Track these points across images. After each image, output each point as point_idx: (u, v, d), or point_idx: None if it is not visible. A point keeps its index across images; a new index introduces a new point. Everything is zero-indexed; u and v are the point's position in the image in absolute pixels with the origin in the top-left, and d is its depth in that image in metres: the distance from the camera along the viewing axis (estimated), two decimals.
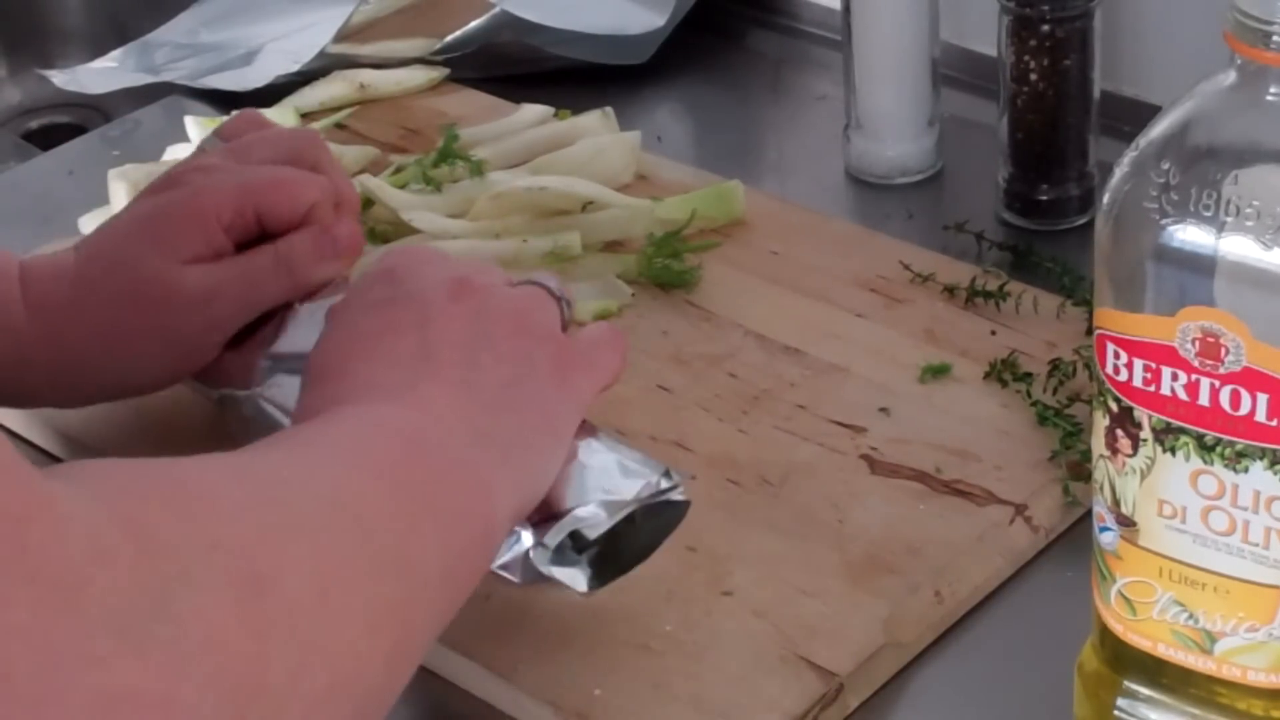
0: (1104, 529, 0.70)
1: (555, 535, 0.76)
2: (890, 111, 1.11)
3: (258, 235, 0.87)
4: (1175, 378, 0.64)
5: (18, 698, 0.46)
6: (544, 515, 0.76)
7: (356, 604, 0.59)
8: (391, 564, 0.62)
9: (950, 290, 0.99)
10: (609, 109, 1.15)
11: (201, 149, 0.94)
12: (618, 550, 0.77)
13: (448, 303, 0.74)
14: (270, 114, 1.17)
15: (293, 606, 0.55)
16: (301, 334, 0.84)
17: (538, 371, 0.74)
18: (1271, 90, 0.62)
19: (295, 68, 1.24)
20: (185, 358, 0.86)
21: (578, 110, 1.16)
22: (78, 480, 0.52)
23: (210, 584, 0.52)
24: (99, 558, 0.49)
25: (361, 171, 1.12)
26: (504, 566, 0.76)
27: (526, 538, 0.76)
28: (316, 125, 1.14)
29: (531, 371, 0.74)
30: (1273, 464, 0.64)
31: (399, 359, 0.72)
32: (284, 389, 0.84)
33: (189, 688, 0.50)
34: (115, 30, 1.43)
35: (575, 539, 0.76)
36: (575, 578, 0.76)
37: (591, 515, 0.76)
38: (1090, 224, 0.67)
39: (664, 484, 0.77)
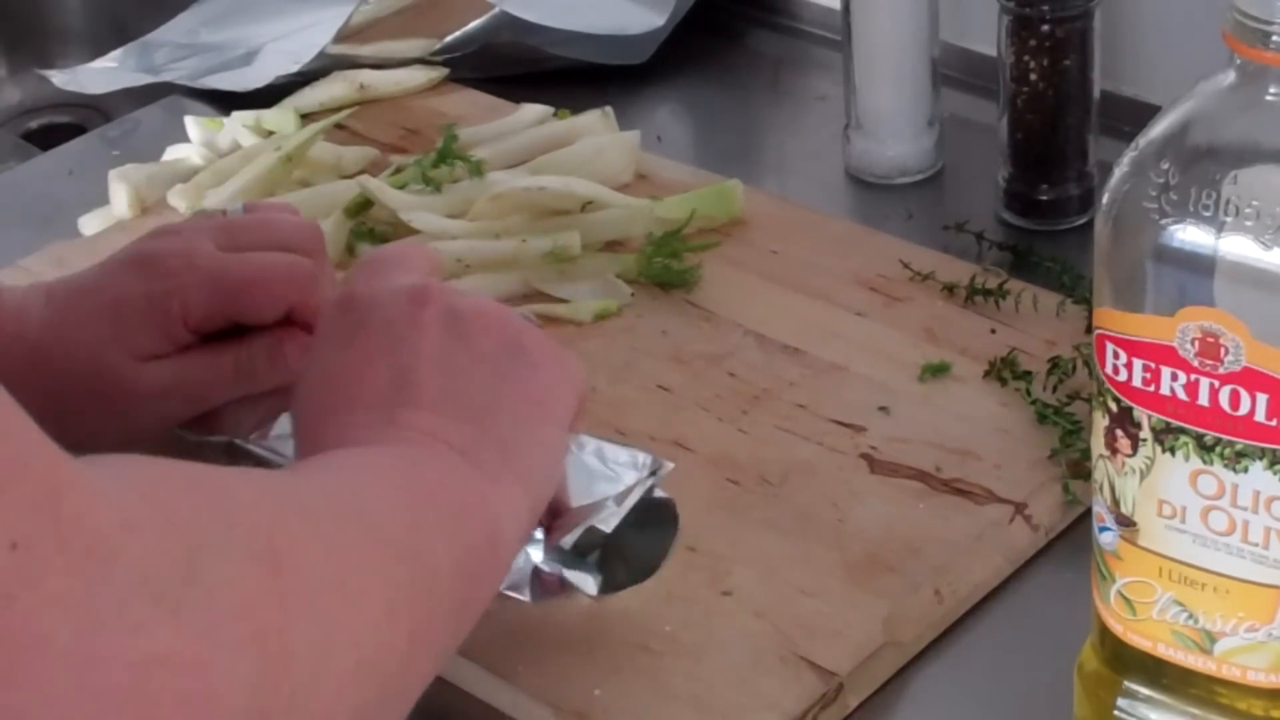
0: (1103, 529, 0.70)
1: (571, 536, 0.76)
2: (890, 111, 1.11)
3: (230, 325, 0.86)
4: (1175, 378, 0.64)
5: (58, 664, 0.46)
6: (553, 516, 0.76)
7: (373, 587, 0.59)
8: (402, 553, 0.62)
9: (950, 289, 0.99)
10: (609, 109, 1.15)
11: (223, 212, 0.92)
12: (621, 553, 0.77)
13: (414, 312, 0.72)
14: (270, 114, 1.18)
15: (312, 583, 0.56)
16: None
17: (526, 356, 0.73)
18: (1271, 90, 0.62)
19: (295, 68, 1.24)
20: (131, 438, 0.85)
21: (578, 110, 1.16)
22: (98, 464, 0.52)
23: (234, 554, 0.53)
24: (128, 528, 0.50)
25: (361, 172, 1.12)
26: (513, 587, 0.76)
27: (535, 553, 0.76)
28: (316, 126, 1.14)
29: (517, 360, 0.73)
30: (1272, 464, 0.64)
31: (374, 394, 0.71)
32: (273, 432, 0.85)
33: (223, 652, 0.51)
34: (115, 30, 1.43)
35: (589, 535, 0.75)
36: (585, 581, 0.76)
37: (602, 508, 0.76)
38: (1090, 224, 0.67)
39: (654, 463, 0.78)
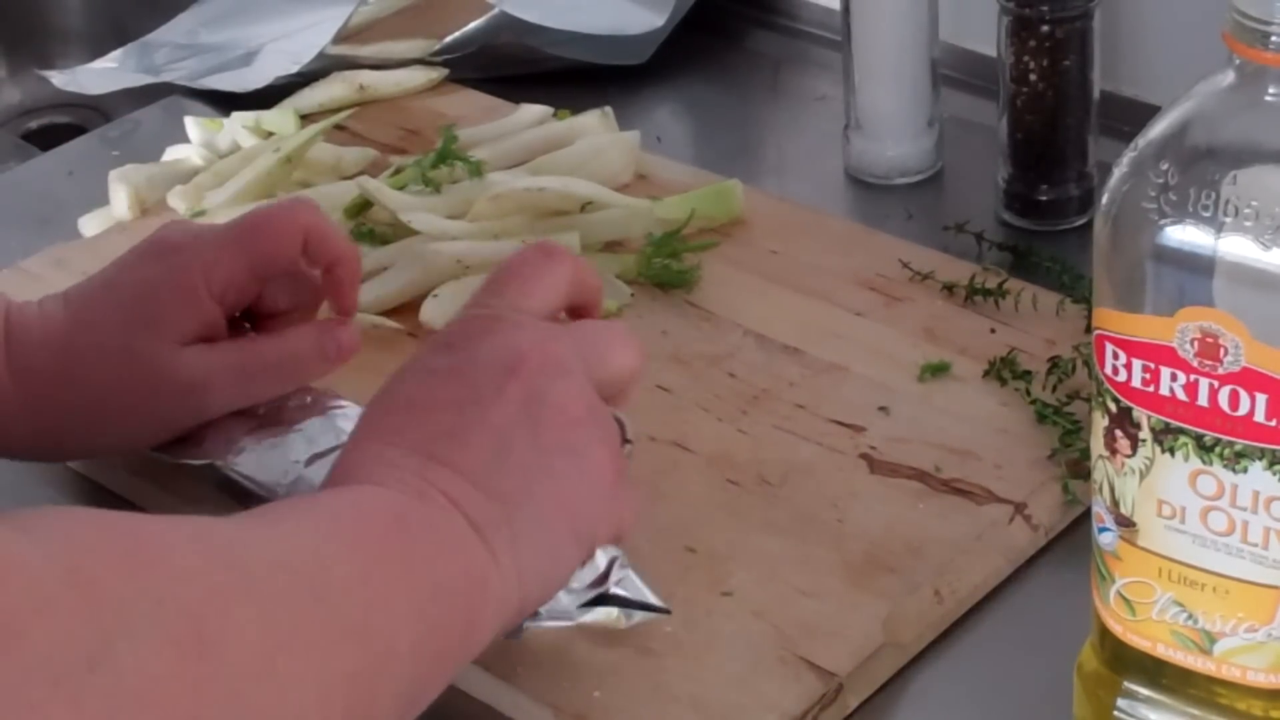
0: (1103, 529, 0.70)
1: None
2: (890, 112, 1.11)
3: (256, 294, 0.86)
4: (1174, 378, 0.64)
5: None
6: None
7: (309, 671, 0.58)
8: (355, 633, 0.61)
9: (949, 288, 0.99)
10: (608, 109, 1.15)
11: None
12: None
13: (502, 380, 0.71)
14: (270, 115, 1.18)
15: (236, 669, 0.55)
16: (271, 455, 0.86)
17: (583, 467, 0.72)
18: (1270, 90, 0.62)
19: (295, 69, 1.24)
20: (171, 430, 0.86)
21: (577, 110, 1.16)
22: (30, 529, 0.52)
23: (152, 639, 0.52)
24: (40, 608, 0.49)
25: (361, 173, 1.12)
26: None
27: None
28: (316, 126, 1.14)
29: (570, 465, 0.71)
30: (1271, 464, 0.64)
31: (421, 437, 0.70)
32: (250, 459, 0.85)
33: None
34: (115, 30, 1.44)
35: (533, 618, 0.74)
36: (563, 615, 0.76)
37: (555, 600, 0.74)
38: (1090, 224, 0.67)
39: (615, 566, 0.76)
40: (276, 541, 0.62)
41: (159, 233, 0.87)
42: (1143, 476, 0.67)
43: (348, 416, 0.86)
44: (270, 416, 0.87)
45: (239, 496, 0.85)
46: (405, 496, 0.68)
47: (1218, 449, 0.65)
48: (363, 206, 1.06)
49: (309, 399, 0.88)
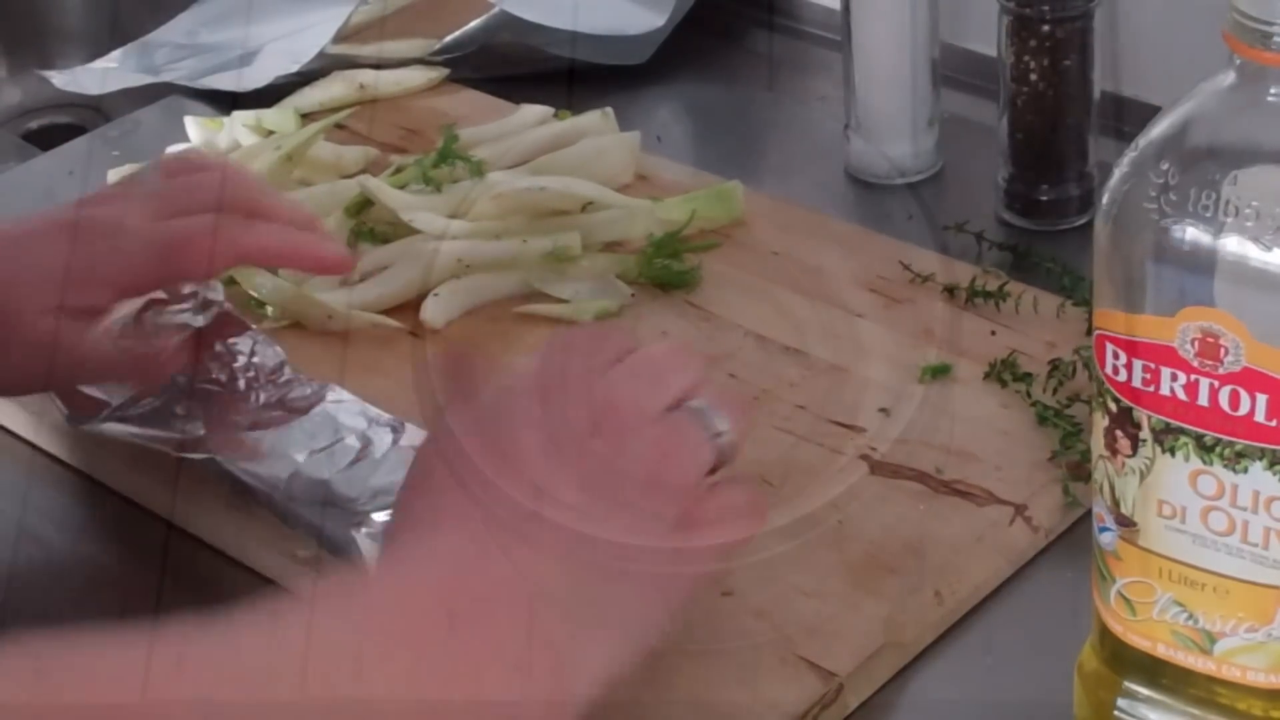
0: (1103, 529, 0.70)
1: None
2: (890, 112, 1.11)
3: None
4: (1175, 378, 0.64)
5: None
6: None
7: None
8: None
9: (950, 290, 0.99)
10: (609, 109, 1.15)
11: (140, 176, 0.92)
12: None
13: (583, 437, 0.69)
14: (270, 114, 1.18)
15: None
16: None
17: (655, 537, 0.69)
18: (1271, 91, 0.62)
19: (295, 68, 1.24)
20: (24, 387, 0.87)
21: (578, 110, 1.16)
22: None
23: None
24: None
25: (361, 172, 1.12)
26: None
27: None
28: (316, 125, 1.14)
29: (647, 537, 0.69)
30: (1272, 464, 0.64)
31: (506, 484, 0.68)
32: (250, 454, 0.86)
33: None
34: (115, 30, 1.43)
35: None
36: None
37: None
38: (1090, 224, 0.67)
39: None
40: (323, 671, 0.60)
41: (88, 208, 0.87)
42: (1143, 476, 0.67)
43: (347, 411, 0.87)
44: (269, 408, 0.87)
45: (239, 491, 0.85)
46: (483, 581, 0.65)
47: (1218, 449, 0.65)
48: (363, 205, 1.06)
49: (309, 390, 0.88)
